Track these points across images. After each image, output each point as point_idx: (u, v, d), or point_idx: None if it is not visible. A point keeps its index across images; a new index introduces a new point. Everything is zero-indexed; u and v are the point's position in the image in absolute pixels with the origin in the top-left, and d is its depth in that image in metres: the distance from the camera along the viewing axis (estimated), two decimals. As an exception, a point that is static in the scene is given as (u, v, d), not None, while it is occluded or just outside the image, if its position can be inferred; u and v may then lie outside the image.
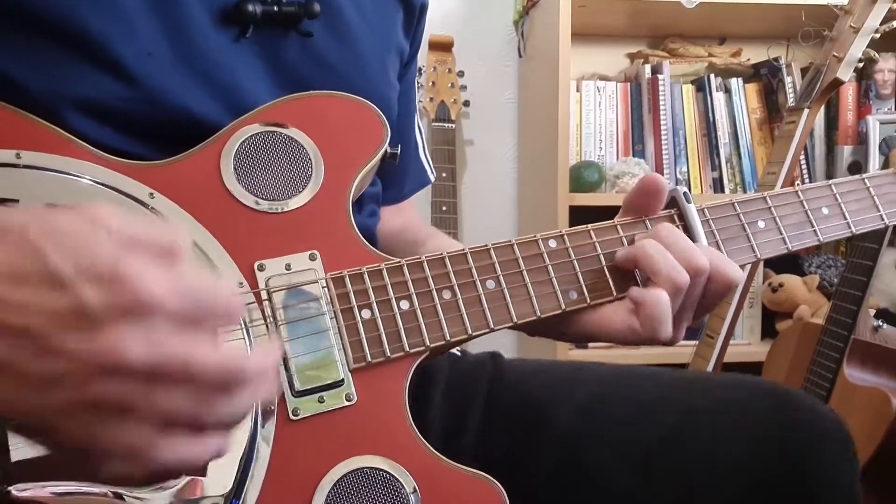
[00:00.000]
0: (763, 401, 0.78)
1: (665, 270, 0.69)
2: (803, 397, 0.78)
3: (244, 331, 0.63)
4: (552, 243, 0.73)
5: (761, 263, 2.07)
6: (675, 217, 0.76)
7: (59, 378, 0.44)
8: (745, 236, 0.78)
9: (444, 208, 2.05)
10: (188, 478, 0.58)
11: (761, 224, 0.79)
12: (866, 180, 0.84)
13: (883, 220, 0.84)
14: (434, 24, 2.18)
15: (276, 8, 0.74)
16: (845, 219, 0.82)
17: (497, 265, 0.71)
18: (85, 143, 0.66)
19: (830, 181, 0.83)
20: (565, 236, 0.73)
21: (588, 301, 0.72)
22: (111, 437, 0.46)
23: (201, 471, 0.58)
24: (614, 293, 0.73)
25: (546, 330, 0.77)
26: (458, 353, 0.94)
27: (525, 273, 0.71)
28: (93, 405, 0.45)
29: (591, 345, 1.98)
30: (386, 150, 0.73)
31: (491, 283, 0.70)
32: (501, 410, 0.86)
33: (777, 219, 0.79)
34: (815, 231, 0.80)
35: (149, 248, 0.47)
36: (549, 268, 0.72)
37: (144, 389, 0.45)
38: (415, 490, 0.63)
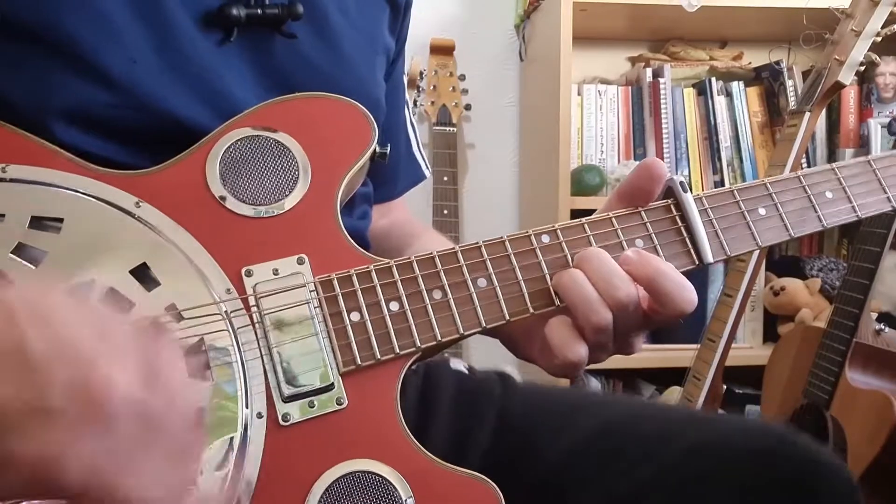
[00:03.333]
0: (762, 444, 0.76)
1: (583, 313, 0.66)
2: (802, 440, 0.76)
3: (232, 337, 0.62)
4: (545, 238, 0.71)
5: (763, 267, 2.06)
6: (672, 207, 0.74)
7: None
8: (745, 224, 0.75)
9: (445, 212, 2.05)
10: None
11: (762, 211, 0.76)
12: (872, 162, 0.81)
13: (890, 202, 0.80)
14: (435, 28, 2.19)
15: (259, 11, 0.74)
16: (850, 202, 0.79)
17: (488, 262, 0.69)
18: (71, 155, 0.66)
19: (834, 164, 0.80)
20: (558, 231, 0.72)
21: None
22: None
23: None
24: None
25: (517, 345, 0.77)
26: (466, 371, 0.93)
27: (517, 270, 0.70)
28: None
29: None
30: (374, 150, 0.72)
31: (482, 281, 0.69)
32: (509, 433, 0.85)
33: (778, 205, 0.76)
34: (818, 217, 0.77)
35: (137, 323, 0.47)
36: (542, 264, 0.70)
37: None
38: (409, 493, 0.62)
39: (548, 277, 0.70)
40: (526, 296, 0.69)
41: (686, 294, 0.66)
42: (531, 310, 0.69)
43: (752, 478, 0.74)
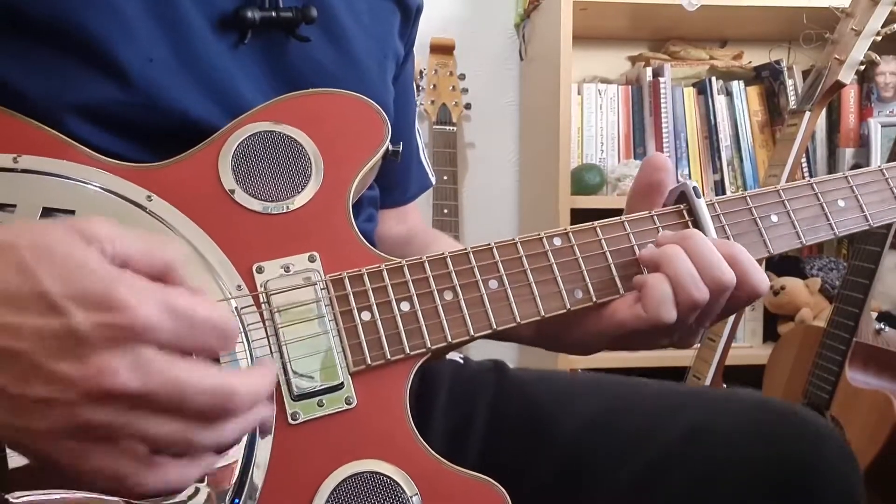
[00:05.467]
0: (764, 417, 0.77)
1: (685, 286, 0.67)
2: (803, 412, 0.77)
3: (243, 335, 0.62)
4: (557, 241, 0.71)
5: (763, 266, 2.06)
6: (685, 212, 0.74)
7: (48, 402, 0.44)
8: (757, 231, 0.75)
9: (445, 211, 2.05)
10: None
11: (774, 218, 0.76)
12: (885, 171, 0.81)
13: None
14: (435, 27, 2.19)
15: (274, 14, 0.74)
16: (863, 211, 0.79)
17: (500, 264, 0.69)
18: (83, 147, 0.65)
19: (847, 172, 0.80)
20: (570, 234, 0.72)
21: (594, 300, 0.70)
22: (98, 463, 0.46)
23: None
24: (621, 291, 0.71)
25: (553, 340, 0.77)
26: (461, 360, 0.94)
27: (529, 272, 0.70)
28: (80, 431, 0.45)
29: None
30: (388, 148, 0.72)
31: (494, 283, 0.69)
32: (505, 421, 0.85)
33: (791, 212, 0.76)
34: (830, 225, 0.77)
35: (142, 268, 0.47)
36: (554, 266, 0.70)
37: (133, 417, 0.45)
38: (416, 493, 0.62)
39: (559, 280, 0.70)
40: (537, 298, 0.70)
41: (761, 275, 0.69)
42: (542, 313, 0.69)
43: (752, 457, 0.74)
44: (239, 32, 0.74)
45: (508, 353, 2.29)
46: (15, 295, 0.44)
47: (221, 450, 0.51)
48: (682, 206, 0.75)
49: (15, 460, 0.53)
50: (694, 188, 0.74)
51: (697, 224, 0.73)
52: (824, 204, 0.78)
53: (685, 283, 0.67)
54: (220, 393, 0.48)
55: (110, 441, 0.46)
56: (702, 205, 0.74)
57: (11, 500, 0.53)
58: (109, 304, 0.44)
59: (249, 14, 0.73)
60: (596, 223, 0.73)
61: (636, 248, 0.72)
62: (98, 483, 0.46)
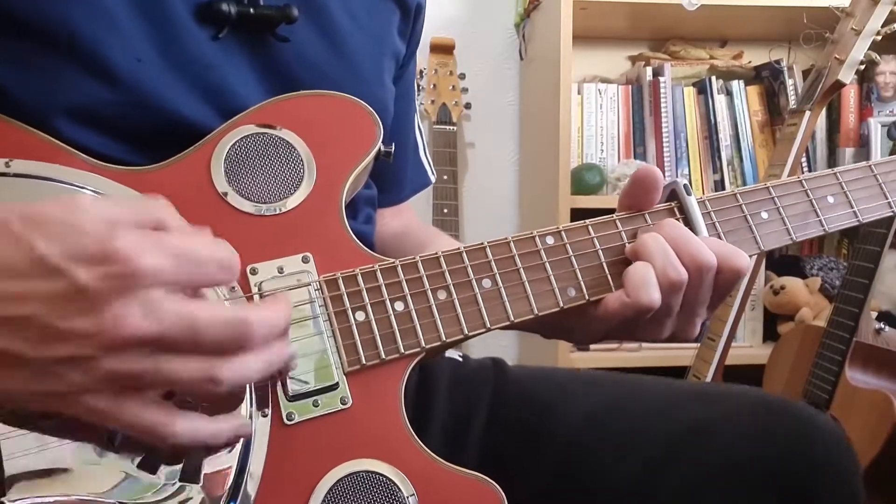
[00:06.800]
0: (765, 413, 0.77)
1: (661, 266, 0.68)
2: (805, 409, 0.77)
3: None
4: (549, 240, 0.72)
5: (763, 266, 2.06)
6: (676, 210, 0.75)
7: (70, 361, 0.45)
8: (747, 228, 0.76)
9: (445, 211, 2.05)
10: (184, 485, 0.58)
11: (764, 215, 0.77)
12: (873, 167, 0.81)
13: (891, 207, 0.81)
14: (435, 27, 2.19)
15: (251, 10, 0.73)
16: (851, 207, 0.79)
17: (493, 263, 0.70)
18: (76, 151, 0.65)
19: (836, 169, 0.81)
20: (563, 233, 0.72)
21: (587, 298, 0.71)
22: (129, 414, 0.47)
23: (195, 475, 0.58)
24: (613, 289, 0.71)
25: (553, 329, 0.77)
26: (459, 359, 0.94)
27: (522, 271, 0.70)
28: (106, 384, 0.46)
29: (592, 346, 1.97)
30: (380, 149, 0.72)
31: (487, 282, 0.69)
32: (504, 418, 0.85)
33: (781, 209, 0.77)
34: (820, 221, 0.78)
35: (134, 222, 0.48)
36: (547, 265, 0.71)
37: (154, 360, 0.47)
38: (413, 494, 0.62)
39: (552, 278, 0.71)
40: (531, 297, 0.70)
41: (740, 252, 0.71)
42: (535, 311, 0.70)
43: (753, 453, 0.74)
44: (216, 25, 0.73)
45: (507, 352, 2.29)
46: (13, 265, 0.45)
47: (244, 384, 0.52)
48: (672, 204, 0.75)
49: (12, 465, 0.53)
50: (685, 186, 0.74)
51: (688, 222, 0.74)
52: (814, 200, 0.79)
53: (661, 263, 0.68)
54: (234, 322, 0.49)
55: (136, 390, 0.47)
56: (692, 202, 0.74)
57: (8, 503, 0.53)
58: (109, 256, 0.45)
59: (224, 7, 0.72)
60: (588, 221, 0.73)
61: (627, 246, 0.73)
62: (132, 434, 0.48)
